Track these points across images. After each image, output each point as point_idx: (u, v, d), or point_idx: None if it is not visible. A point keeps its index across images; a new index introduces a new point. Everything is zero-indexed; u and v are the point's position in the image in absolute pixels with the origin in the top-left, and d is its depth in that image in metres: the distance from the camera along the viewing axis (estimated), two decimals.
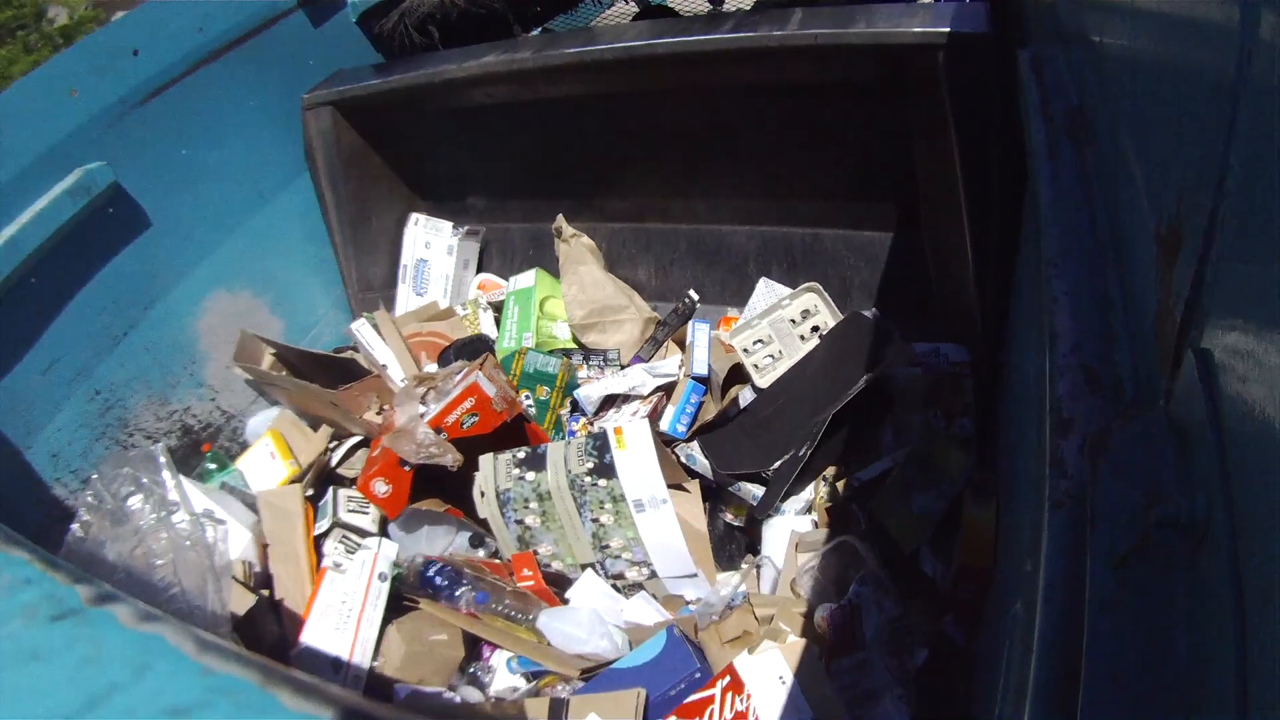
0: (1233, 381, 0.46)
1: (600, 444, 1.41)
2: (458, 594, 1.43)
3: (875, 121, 1.55)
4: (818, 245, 1.75)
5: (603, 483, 1.39)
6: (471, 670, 1.46)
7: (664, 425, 1.57)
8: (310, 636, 1.41)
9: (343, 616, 1.42)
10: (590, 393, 1.67)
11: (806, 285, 1.65)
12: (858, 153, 1.61)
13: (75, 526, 1.44)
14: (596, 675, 1.31)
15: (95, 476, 1.49)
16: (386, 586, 1.45)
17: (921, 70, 1.35)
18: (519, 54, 1.69)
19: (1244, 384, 0.45)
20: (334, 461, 1.75)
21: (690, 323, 1.69)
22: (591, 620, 1.37)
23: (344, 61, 2.11)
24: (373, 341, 1.92)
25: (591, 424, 1.67)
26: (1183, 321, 0.53)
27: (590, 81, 1.69)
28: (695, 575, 1.40)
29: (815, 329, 1.64)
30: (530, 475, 1.45)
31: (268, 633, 1.46)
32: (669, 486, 1.41)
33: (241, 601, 1.42)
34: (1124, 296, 0.71)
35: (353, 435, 1.76)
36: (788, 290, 1.70)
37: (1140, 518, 0.52)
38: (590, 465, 1.40)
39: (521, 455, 1.48)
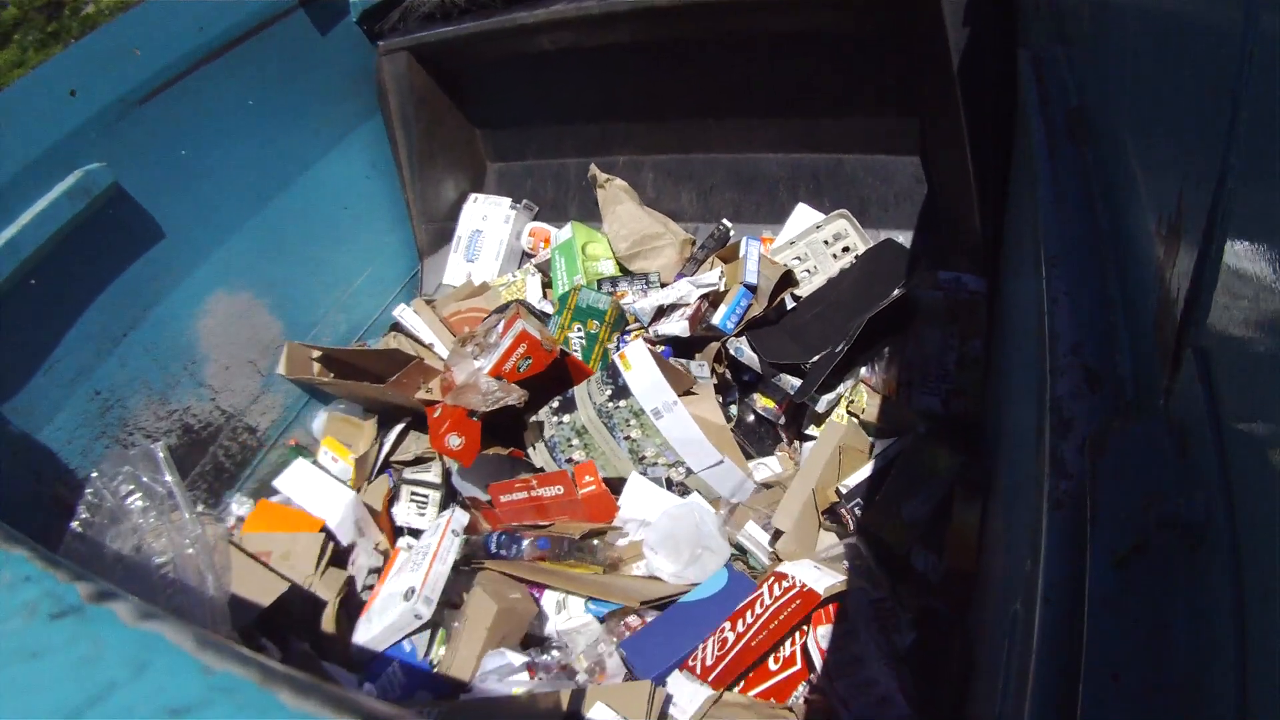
0: (1233, 381, 0.46)
1: (612, 372, 1.61)
2: (522, 549, 1.57)
3: (889, 61, 1.75)
4: (839, 169, 1.98)
5: (623, 403, 1.58)
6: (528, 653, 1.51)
7: (715, 320, 1.78)
8: (383, 596, 1.56)
9: (415, 562, 1.57)
10: (645, 305, 1.90)
11: (838, 212, 1.89)
12: (873, 88, 1.82)
13: (75, 525, 1.44)
14: (668, 607, 1.42)
15: (95, 475, 1.49)
16: (459, 542, 1.60)
17: (926, 14, 1.52)
18: (586, 1, 1.88)
19: (1244, 384, 0.45)
20: (384, 450, 1.91)
21: (744, 239, 1.90)
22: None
23: (344, 61, 2.11)
24: (416, 324, 2.10)
25: (645, 331, 1.88)
26: (1183, 321, 0.53)
27: (643, 27, 1.91)
28: (722, 461, 1.56)
29: (846, 249, 1.91)
30: (566, 417, 1.66)
31: (298, 616, 1.54)
32: (684, 394, 1.63)
33: (273, 589, 1.47)
34: (1124, 296, 0.71)
35: (398, 421, 1.94)
36: (821, 215, 1.95)
37: (1140, 518, 0.52)
38: (609, 392, 1.59)
39: (556, 404, 1.69)
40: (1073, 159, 0.86)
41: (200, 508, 1.76)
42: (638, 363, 1.58)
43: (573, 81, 2.15)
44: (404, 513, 1.80)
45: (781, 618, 1.25)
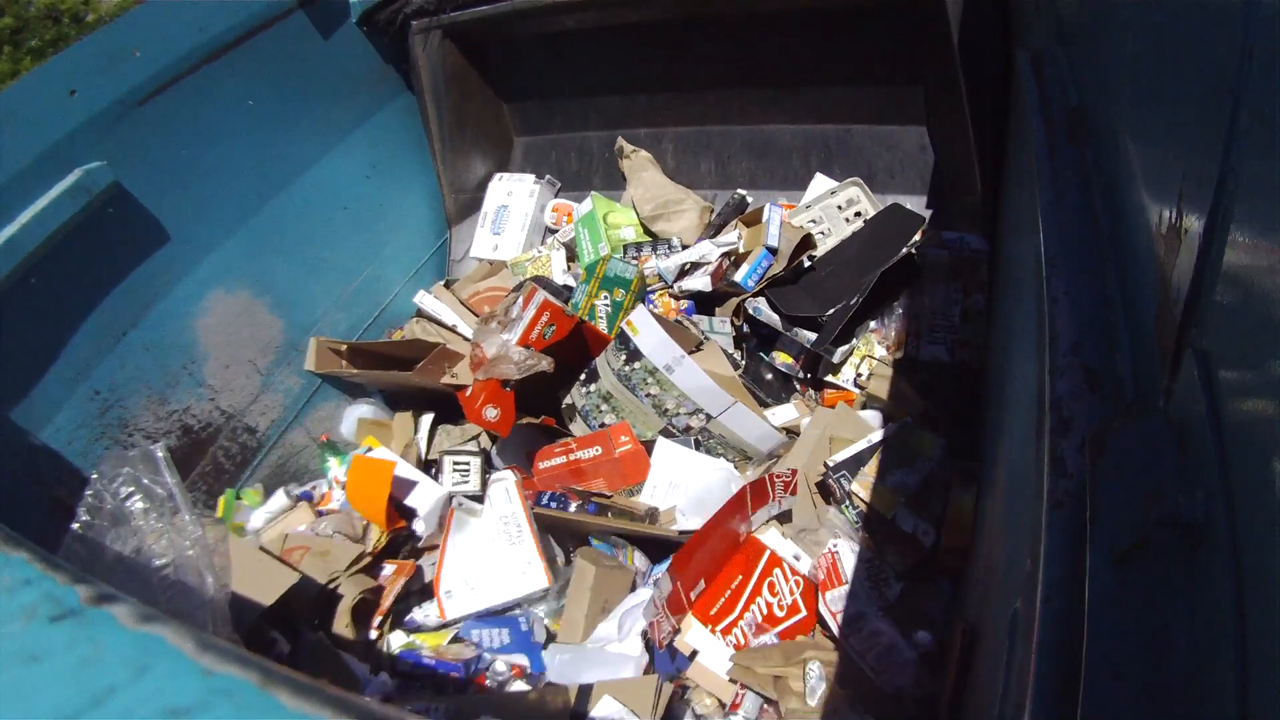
0: (1233, 381, 0.46)
1: (623, 339, 1.71)
2: (570, 510, 1.66)
3: (894, 37, 1.85)
4: (849, 138, 2.11)
5: (637, 365, 1.69)
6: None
7: (737, 277, 1.90)
8: (460, 561, 1.62)
9: (511, 534, 1.62)
10: (669, 264, 2.02)
11: (851, 180, 2.01)
12: (880, 63, 1.93)
13: (75, 526, 1.44)
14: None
15: (95, 477, 1.49)
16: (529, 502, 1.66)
17: None
18: None
19: (1244, 384, 0.45)
20: (422, 451, 1.98)
21: (767, 205, 2.00)
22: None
23: (344, 61, 2.11)
24: (439, 309, 2.19)
25: (670, 287, 2.02)
26: (1183, 321, 0.53)
27: (665, 7, 2.01)
28: (735, 403, 1.67)
29: (858, 214, 2.02)
30: (592, 386, 1.78)
31: (312, 609, 1.56)
32: (692, 351, 1.76)
33: (280, 584, 1.47)
34: (1124, 296, 0.71)
35: (424, 410, 2.03)
36: (836, 184, 2.08)
37: (1140, 517, 0.52)
38: (624, 357, 1.70)
39: (583, 377, 1.81)
40: (1073, 159, 0.86)
41: (261, 494, 1.82)
42: (643, 327, 1.69)
43: (596, 58, 2.24)
44: (449, 482, 1.84)
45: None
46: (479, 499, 1.74)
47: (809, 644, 1.36)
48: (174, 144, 1.74)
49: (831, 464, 1.53)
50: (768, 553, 1.49)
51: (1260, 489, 0.41)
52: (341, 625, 1.54)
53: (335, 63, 2.08)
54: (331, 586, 1.57)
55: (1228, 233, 0.47)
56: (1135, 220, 0.68)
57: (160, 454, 1.53)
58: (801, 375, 1.87)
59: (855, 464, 1.52)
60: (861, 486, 1.48)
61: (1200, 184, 0.51)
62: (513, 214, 2.40)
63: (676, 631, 1.42)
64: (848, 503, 1.49)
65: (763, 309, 1.88)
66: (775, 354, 1.90)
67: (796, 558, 1.47)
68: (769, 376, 1.89)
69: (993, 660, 0.83)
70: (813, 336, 1.80)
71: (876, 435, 1.55)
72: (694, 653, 1.41)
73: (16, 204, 1.47)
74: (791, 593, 1.44)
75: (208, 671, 0.30)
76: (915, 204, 1.95)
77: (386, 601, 1.60)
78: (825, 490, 1.57)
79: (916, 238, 1.83)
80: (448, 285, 2.33)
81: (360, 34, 2.14)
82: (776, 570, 1.46)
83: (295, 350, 2.03)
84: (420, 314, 2.26)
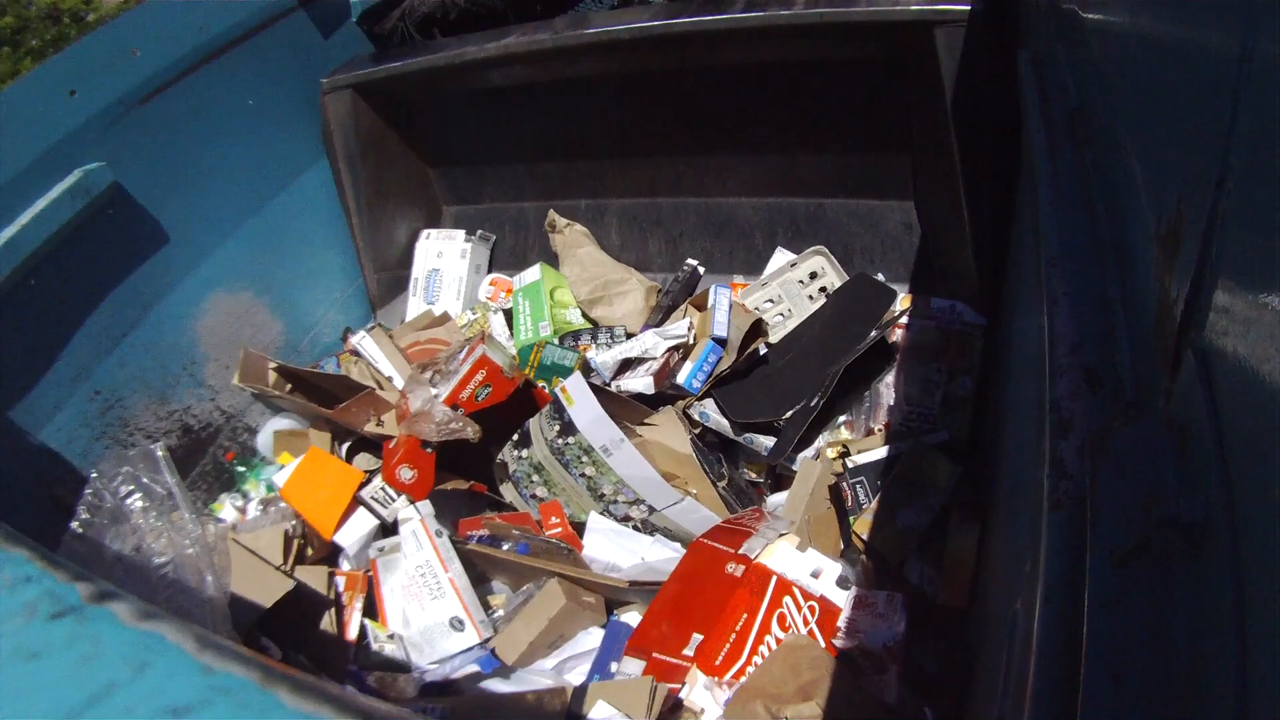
0: (1233, 381, 0.46)
1: (557, 406, 1.49)
2: (503, 549, 1.50)
3: (875, 96, 1.62)
4: (820, 214, 1.82)
5: (571, 440, 1.47)
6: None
7: (680, 379, 1.63)
8: (399, 612, 1.49)
9: (431, 587, 1.46)
10: (606, 358, 1.71)
11: (814, 249, 1.74)
12: (858, 126, 1.68)
13: (75, 525, 1.44)
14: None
15: (95, 475, 1.49)
16: (447, 540, 1.49)
17: (918, 46, 1.42)
18: (539, 35, 1.75)
19: (1244, 384, 0.45)
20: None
21: (713, 287, 1.75)
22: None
23: (344, 60, 2.11)
24: (375, 354, 1.96)
25: (608, 385, 1.71)
26: (1183, 321, 0.53)
27: (606, 61, 1.75)
28: (683, 498, 1.43)
29: (823, 289, 1.74)
30: (524, 452, 1.55)
31: (304, 615, 1.50)
32: (642, 423, 1.55)
33: (276, 589, 1.43)
34: (1124, 296, 0.70)
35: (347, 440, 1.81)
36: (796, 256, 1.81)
37: (1140, 518, 0.52)
38: (557, 428, 1.49)
39: (516, 437, 1.58)
40: (1073, 159, 0.86)
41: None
42: (579, 398, 1.47)
43: (530, 119, 2.01)
44: (367, 494, 1.64)
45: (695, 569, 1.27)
46: (386, 525, 1.64)
47: (809, 677, 1.18)
48: (174, 144, 1.74)
49: (851, 465, 1.39)
50: (774, 579, 1.29)
51: (1260, 489, 0.41)
52: (334, 629, 1.51)
53: (336, 62, 2.08)
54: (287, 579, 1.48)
55: (1227, 233, 0.47)
56: (1135, 221, 0.68)
57: (160, 453, 1.53)
58: (764, 482, 1.65)
59: (873, 473, 1.39)
60: (863, 526, 1.34)
61: (1200, 185, 0.51)
62: (445, 278, 2.14)
63: (679, 697, 1.25)
64: (856, 515, 1.37)
65: (710, 414, 1.61)
66: (744, 468, 1.66)
67: (815, 574, 1.28)
68: (744, 484, 1.64)
69: (992, 662, 0.83)
70: (769, 442, 1.55)
71: (894, 449, 1.40)
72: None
73: (16, 205, 1.48)
74: (806, 622, 1.24)
75: (208, 669, 0.31)
76: (899, 291, 1.70)
77: (350, 634, 1.51)
78: (837, 496, 1.44)
79: (890, 313, 1.59)
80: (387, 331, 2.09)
81: (359, 32, 2.14)
82: (786, 599, 1.26)
83: (296, 351, 2.03)
84: (356, 353, 2.04)
